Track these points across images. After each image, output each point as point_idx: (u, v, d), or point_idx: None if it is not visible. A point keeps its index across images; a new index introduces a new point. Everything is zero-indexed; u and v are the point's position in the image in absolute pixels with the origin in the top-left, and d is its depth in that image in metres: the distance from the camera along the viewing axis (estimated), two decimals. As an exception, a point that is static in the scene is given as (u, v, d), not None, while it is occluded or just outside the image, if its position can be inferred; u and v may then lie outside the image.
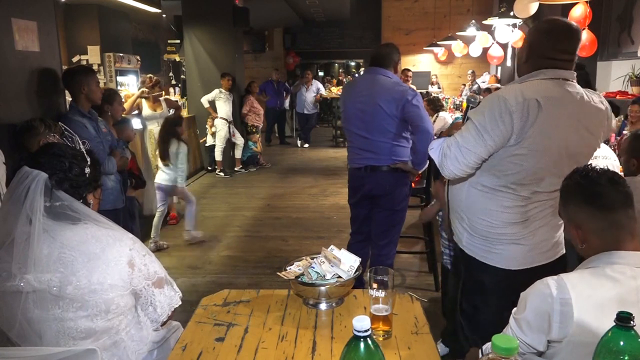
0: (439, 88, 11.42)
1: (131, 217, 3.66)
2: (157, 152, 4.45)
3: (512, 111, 1.63)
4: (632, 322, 0.93)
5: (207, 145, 7.71)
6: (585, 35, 4.25)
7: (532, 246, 1.79)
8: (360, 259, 1.76)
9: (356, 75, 15.67)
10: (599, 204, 1.30)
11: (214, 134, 7.51)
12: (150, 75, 5.32)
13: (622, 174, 2.41)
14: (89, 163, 1.51)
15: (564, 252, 1.87)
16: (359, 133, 2.96)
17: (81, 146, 1.55)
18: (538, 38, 1.78)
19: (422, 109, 2.87)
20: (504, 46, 8.71)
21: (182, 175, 4.43)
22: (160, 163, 4.33)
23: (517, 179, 1.73)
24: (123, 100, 5.10)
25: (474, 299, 1.92)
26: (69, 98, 3.34)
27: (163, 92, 5.61)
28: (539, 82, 1.71)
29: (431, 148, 1.85)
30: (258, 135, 8.32)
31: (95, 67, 6.98)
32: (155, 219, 4.42)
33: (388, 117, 2.85)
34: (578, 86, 1.74)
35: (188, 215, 4.57)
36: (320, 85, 11.16)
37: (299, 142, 10.64)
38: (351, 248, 3.07)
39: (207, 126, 7.55)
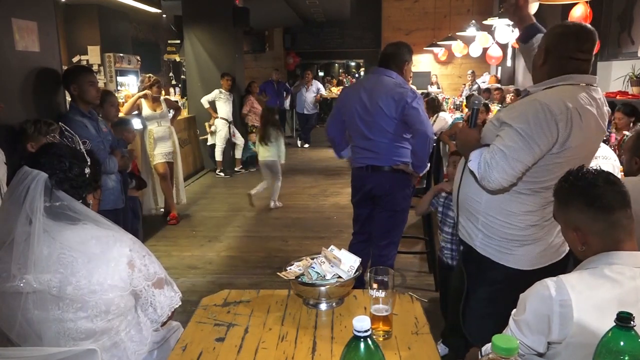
0: (439, 88, 11.42)
1: (136, 218, 3.67)
2: (257, 135, 5.60)
3: (557, 120, 1.61)
4: (632, 322, 0.93)
5: (208, 144, 7.70)
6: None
7: (547, 245, 1.81)
8: (360, 259, 1.76)
9: (357, 75, 15.70)
10: (599, 206, 1.29)
11: (212, 133, 7.51)
12: (150, 75, 5.31)
13: (621, 173, 2.42)
14: (89, 163, 1.50)
15: (568, 249, 1.88)
16: (361, 133, 2.95)
17: (81, 146, 1.54)
18: (556, 39, 1.77)
19: (421, 112, 2.85)
20: (504, 46, 8.70)
21: (282, 154, 5.57)
22: (255, 143, 5.60)
23: (548, 185, 1.72)
24: (123, 100, 5.12)
25: (484, 297, 1.92)
26: (69, 98, 3.35)
27: (163, 92, 5.60)
28: (571, 89, 1.69)
29: (470, 160, 1.77)
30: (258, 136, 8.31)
31: (95, 68, 6.98)
32: (263, 185, 5.65)
33: (387, 118, 2.84)
34: (599, 89, 1.75)
35: (275, 189, 5.71)
36: (320, 86, 11.15)
37: (299, 142, 10.63)
38: (353, 248, 3.06)
39: (207, 124, 7.54)
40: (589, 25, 1.77)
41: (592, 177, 1.32)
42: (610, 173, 1.36)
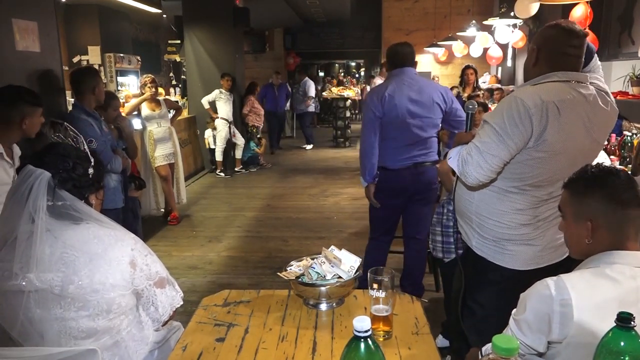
0: (439, 88, 11.38)
1: (135, 218, 3.67)
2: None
3: (531, 114, 1.62)
4: (632, 322, 0.93)
5: (211, 147, 7.69)
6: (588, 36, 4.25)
7: (543, 246, 1.80)
8: (360, 259, 1.76)
9: (357, 75, 15.66)
10: (622, 198, 1.28)
11: (211, 139, 7.52)
12: (146, 75, 5.31)
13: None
14: (92, 164, 1.51)
15: None
16: (412, 132, 2.94)
17: (85, 147, 1.55)
18: (546, 38, 1.78)
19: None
20: (504, 46, 8.69)
21: None
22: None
23: (534, 182, 1.73)
24: (124, 100, 5.12)
25: (482, 298, 1.93)
26: (69, 98, 3.34)
27: (162, 92, 5.60)
28: (553, 85, 1.70)
29: (449, 157, 1.82)
30: (259, 136, 8.31)
31: (95, 68, 6.99)
32: None
33: (441, 112, 2.96)
34: (591, 87, 1.75)
35: None
36: (310, 85, 10.78)
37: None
38: (381, 250, 3.20)
39: (208, 128, 7.53)
40: (577, 25, 1.80)
41: (615, 170, 1.33)
42: (628, 172, 1.36)
